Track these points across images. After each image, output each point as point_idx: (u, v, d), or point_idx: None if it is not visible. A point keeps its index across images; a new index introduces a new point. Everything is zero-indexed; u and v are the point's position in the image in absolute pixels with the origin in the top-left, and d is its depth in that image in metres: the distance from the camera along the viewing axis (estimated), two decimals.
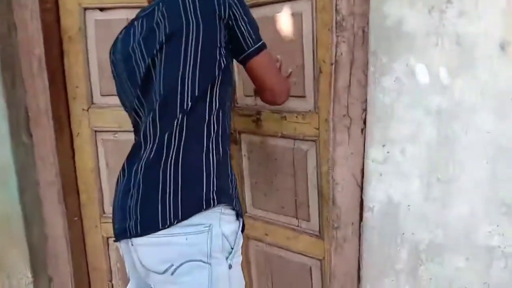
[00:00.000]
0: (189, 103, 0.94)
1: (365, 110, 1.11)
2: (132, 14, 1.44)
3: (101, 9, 1.51)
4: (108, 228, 1.61)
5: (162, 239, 0.92)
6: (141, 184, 0.96)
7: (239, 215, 1.03)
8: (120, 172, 1.04)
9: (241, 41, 1.00)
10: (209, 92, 0.96)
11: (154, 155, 0.96)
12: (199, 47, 0.93)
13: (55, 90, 1.53)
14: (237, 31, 0.98)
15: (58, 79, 1.55)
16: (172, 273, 0.93)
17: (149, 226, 0.93)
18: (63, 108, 1.59)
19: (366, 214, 1.14)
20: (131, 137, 1.14)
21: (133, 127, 1.12)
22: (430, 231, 1.06)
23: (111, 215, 1.05)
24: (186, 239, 0.92)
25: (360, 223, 1.18)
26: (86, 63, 1.56)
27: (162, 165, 0.95)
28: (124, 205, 0.98)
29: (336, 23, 1.12)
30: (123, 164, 1.03)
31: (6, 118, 1.47)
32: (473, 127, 0.97)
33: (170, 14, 0.96)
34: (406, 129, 1.04)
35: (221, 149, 1.00)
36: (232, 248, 0.98)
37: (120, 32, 1.10)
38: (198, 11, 0.94)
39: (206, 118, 0.97)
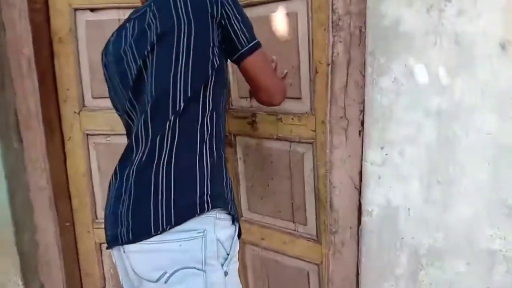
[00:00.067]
0: (182, 104, 0.92)
1: (362, 111, 1.09)
2: (123, 14, 1.44)
3: (92, 10, 1.49)
4: (101, 234, 1.57)
5: (155, 246, 0.89)
6: (132, 189, 0.94)
7: (235, 219, 1.01)
8: (112, 176, 1.02)
9: (234, 40, 0.98)
10: (202, 92, 0.94)
11: (146, 159, 0.94)
12: (191, 47, 0.91)
13: (45, 92, 1.51)
14: (230, 30, 0.97)
15: (48, 81, 1.53)
16: (166, 281, 0.90)
17: (141, 232, 0.90)
18: (53, 111, 1.56)
19: (364, 218, 1.12)
20: (123, 140, 1.12)
21: (126, 130, 1.11)
22: (430, 235, 1.04)
23: (103, 221, 1.02)
24: (180, 245, 0.89)
25: (358, 227, 1.16)
26: (77, 65, 1.54)
27: (154, 169, 0.92)
28: (116, 210, 0.96)
29: (332, 22, 1.10)
30: (115, 168, 1.01)
31: None
32: (474, 128, 0.95)
33: (161, 14, 0.94)
34: (405, 131, 1.02)
35: (215, 151, 0.98)
36: (228, 254, 0.96)
37: (112, 34, 1.08)
38: (190, 11, 0.92)
39: (199, 120, 0.95)
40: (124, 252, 0.94)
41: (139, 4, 1.09)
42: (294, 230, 1.43)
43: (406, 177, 1.04)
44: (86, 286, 1.75)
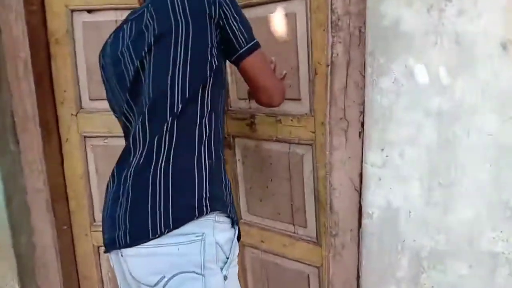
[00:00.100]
0: (179, 106, 0.91)
1: (362, 112, 1.09)
2: (121, 16, 1.43)
3: (89, 11, 1.48)
4: (99, 237, 1.55)
5: (153, 250, 0.88)
6: (130, 192, 0.92)
7: (234, 222, 1.00)
8: (109, 179, 1.01)
9: (233, 40, 0.97)
10: (200, 94, 0.93)
11: (144, 161, 0.93)
12: (189, 48, 0.90)
13: (42, 94, 1.50)
14: (229, 30, 0.96)
15: (45, 82, 1.52)
16: (164, 286, 0.88)
17: (138, 236, 0.89)
18: (50, 113, 1.55)
19: (365, 220, 1.11)
20: (121, 142, 1.11)
21: (123, 132, 1.10)
22: (431, 238, 1.03)
23: (101, 223, 1.01)
24: (178, 249, 0.88)
25: (359, 230, 1.15)
26: (74, 67, 1.53)
27: (151, 171, 0.91)
28: (113, 214, 0.94)
29: (331, 23, 1.09)
30: (113, 170, 1.00)
31: None
32: (475, 128, 0.95)
33: (159, 15, 0.93)
34: (406, 132, 1.01)
35: (213, 153, 0.97)
36: (228, 258, 0.94)
37: (109, 36, 1.08)
38: (188, 11, 0.91)
39: (197, 121, 0.93)
40: (121, 256, 0.93)
41: (137, 5, 1.09)
42: (294, 232, 1.42)
43: (407, 178, 1.03)
44: None
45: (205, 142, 0.95)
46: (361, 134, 1.10)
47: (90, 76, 1.52)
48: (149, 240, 0.88)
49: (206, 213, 0.91)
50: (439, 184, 1.00)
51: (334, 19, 1.09)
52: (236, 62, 1.01)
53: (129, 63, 0.97)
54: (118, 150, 1.01)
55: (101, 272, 1.72)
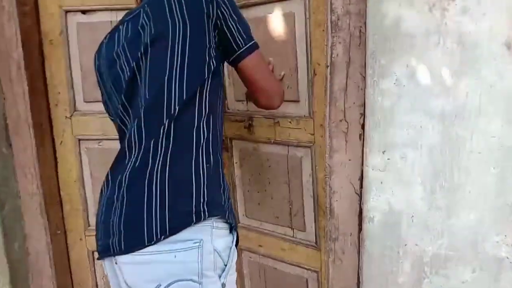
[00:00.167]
0: (177, 108, 0.88)
1: (363, 114, 1.07)
2: (116, 16, 1.41)
3: (84, 12, 1.46)
4: (93, 241, 1.53)
5: (148, 257, 0.85)
6: (125, 197, 0.90)
7: (232, 228, 0.98)
8: (103, 183, 0.98)
9: (231, 41, 0.95)
10: (198, 96, 0.91)
11: (139, 165, 0.90)
12: (186, 49, 0.88)
13: (36, 96, 1.47)
14: (227, 31, 0.93)
15: (39, 84, 1.50)
16: None
17: (133, 243, 0.86)
18: (44, 115, 1.53)
19: (366, 224, 1.09)
20: (116, 145, 1.08)
21: (119, 135, 1.07)
22: (434, 242, 1.01)
23: (95, 229, 0.99)
24: (175, 256, 0.85)
25: (359, 234, 1.13)
26: (69, 68, 1.51)
27: (147, 175, 0.89)
28: (107, 219, 0.92)
29: (331, 23, 1.07)
30: (107, 174, 0.98)
31: None
32: (479, 130, 0.93)
33: (156, 15, 0.91)
34: (407, 134, 1.00)
35: (212, 156, 0.94)
36: (226, 265, 0.92)
37: (105, 37, 1.06)
38: (185, 11, 0.89)
39: (195, 124, 0.91)
40: (116, 263, 0.90)
41: (133, 6, 1.07)
42: (293, 236, 1.40)
43: (409, 182, 1.01)
44: None
45: (203, 145, 0.92)
46: (361, 136, 1.08)
47: (85, 78, 1.50)
48: (145, 247, 0.85)
49: (204, 218, 0.89)
50: (442, 187, 0.98)
51: (334, 19, 1.07)
52: (235, 63, 0.99)
53: (125, 65, 0.95)
54: (113, 153, 0.99)
55: (96, 277, 1.70)
